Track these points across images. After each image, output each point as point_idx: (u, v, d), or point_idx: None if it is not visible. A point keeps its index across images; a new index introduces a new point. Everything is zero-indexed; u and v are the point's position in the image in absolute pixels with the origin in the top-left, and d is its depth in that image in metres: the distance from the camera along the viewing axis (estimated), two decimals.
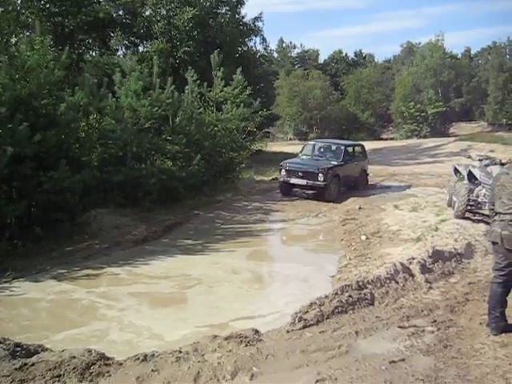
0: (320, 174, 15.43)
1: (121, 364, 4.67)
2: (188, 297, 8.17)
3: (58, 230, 10.83)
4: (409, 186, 18.09)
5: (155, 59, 15.42)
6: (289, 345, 4.91)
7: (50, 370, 4.49)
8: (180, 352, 4.82)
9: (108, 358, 4.84)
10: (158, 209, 13.54)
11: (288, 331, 5.29)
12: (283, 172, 16.20)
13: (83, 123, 12.92)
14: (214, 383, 4.25)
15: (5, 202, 10.21)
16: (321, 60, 69.73)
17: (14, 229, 10.27)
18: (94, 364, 4.60)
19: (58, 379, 4.35)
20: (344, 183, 16.55)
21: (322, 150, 17.36)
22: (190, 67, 17.39)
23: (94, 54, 21.90)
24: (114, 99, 13.58)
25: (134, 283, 8.68)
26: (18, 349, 5.25)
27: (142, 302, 7.89)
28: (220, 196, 15.31)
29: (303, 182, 15.72)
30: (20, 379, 4.37)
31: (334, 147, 17.29)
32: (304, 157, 17.16)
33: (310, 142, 18.75)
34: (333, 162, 16.14)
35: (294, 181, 15.97)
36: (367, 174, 18.52)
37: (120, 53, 23.21)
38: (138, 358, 4.72)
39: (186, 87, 16.07)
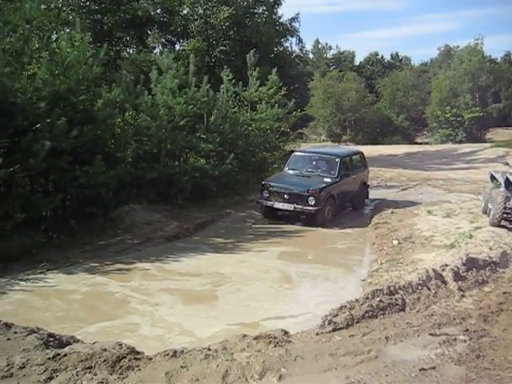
0: (311, 197, 12.45)
1: (150, 359, 4.72)
2: (219, 295, 8.20)
3: (92, 224, 11.02)
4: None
5: (191, 57, 15.53)
6: (318, 347, 4.88)
7: (81, 361, 4.56)
8: (209, 350, 4.85)
9: (138, 353, 4.90)
10: (190, 206, 13.64)
11: (317, 333, 5.26)
12: (265, 193, 13.08)
13: (119, 119, 13.10)
14: (242, 382, 4.25)
15: (41, 195, 10.45)
16: (356, 62, 69.24)
17: (49, 221, 10.49)
18: (125, 358, 4.65)
19: (89, 370, 4.42)
20: (340, 203, 13.67)
21: (313, 162, 14.09)
22: (225, 66, 17.47)
23: (131, 51, 22.16)
24: (150, 96, 13.73)
25: (165, 279, 8.77)
26: (51, 339, 5.37)
27: (174, 299, 7.96)
28: (252, 195, 15.33)
29: (290, 206, 12.65)
30: (53, 368, 4.45)
31: (327, 159, 14.01)
32: (291, 171, 13.95)
33: (297, 153, 15.00)
34: (326, 180, 13.13)
35: (278, 205, 12.83)
36: (367, 187, 15.72)
37: (157, 50, 23.44)
38: (168, 354, 4.76)
39: (222, 86, 16.13)
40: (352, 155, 15.20)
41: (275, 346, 4.84)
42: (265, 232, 12.24)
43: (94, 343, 5.17)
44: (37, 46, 11.13)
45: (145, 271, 9.09)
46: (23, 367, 4.50)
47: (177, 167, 13.88)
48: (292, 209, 12.65)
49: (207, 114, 15.05)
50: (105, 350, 4.83)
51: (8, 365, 4.53)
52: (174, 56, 16.39)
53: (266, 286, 8.52)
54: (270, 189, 12.97)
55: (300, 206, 12.52)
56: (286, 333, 5.26)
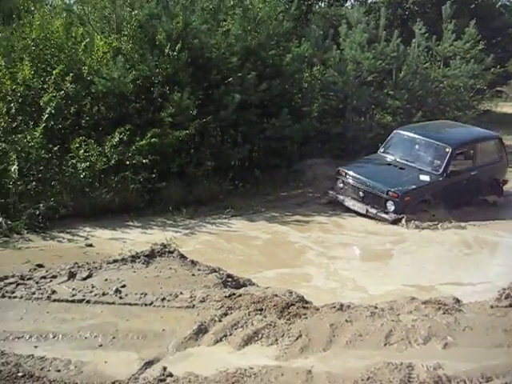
0: (390, 202, 9.30)
1: (317, 309, 4.88)
2: (395, 254, 8.10)
3: (275, 176, 11.47)
4: None
5: (383, 10, 15.00)
6: (490, 321, 4.61)
7: (253, 302, 4.88)
8: (376, 308, 4.86)
9: (306, 302, 5.09)
10: None
11: (492, 306, 4.97)
12: (339, 183, 10.20)
13: (307, 74, 13.23)
14: (405, 344, 4.21)
15: (230, 146, 11.13)
16: None
17: (236, 170, 11.13)
18: (293, 305, 4.87)
19: (259, 312, 4.71)
20: (443, 207, 9.61)
21: (415, 148, 10.57)
22: (418, 19, 16.56)
23: (322, 5, 22.01)
24: (338, 51, 13.62)
25: (341, 234, 8.87)
26: (230, 279, 5.81)
27: (350, 254, 8.04)
28: None
29: (361, 208, 9.57)
30: (228, 306, 4.82)
31: (435, 146, 10.27)
32: (386, 156, 10.68)
33: (400, 131, 11.03)
34: (423, 177, 9.72)
35: (349, 203, 9.80)
36: (501, 185, 11.14)
37: (348, 4, 22.97)
38: (335, 307, 4.88)
39: (413, 40, 15.36)
40: (479, 142, 10.79)
41: (444, 312, 4.69)
42: None
43: (266, 288, 5.49)
44: (231, 3, 11.60)
45: (322, 224, 9.26)
46: (203, 301, 4.95)
47: (362, 123, 13.73)
48: (364, 212, 9.53)
49: (396, 70, 14.53)
50: (276, 295, 5.10)
51: (191, 297, 5.02)
52: (365, 9, 15.98)
53: (444, 249, 8.20)
54: (347, 178, 9.99)
55: (373, 211, 9.38)
56: (457, 301, 5.06)
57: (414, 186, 9.52)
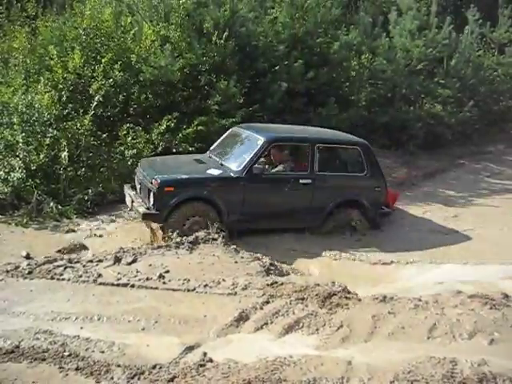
0: (151, 192, 6.79)
1: (360, 300, 4.83)
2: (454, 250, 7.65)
3: None
4: None
5: None
6: None
7: (295, 291, 4.87)
8: (419, 300, 4.77)
9: (349, 292, 5.05)
10: (422, 154, 13.20)
11: None
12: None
13: (355, 62, 13.03)
14: (449, 339, 4.11)
15: None
16: None
17: None
18: (335, 295, 4.84)
19: (301, 301, 4.70)
20: (240, 220, 7.14)
21: (235, 143, 8.03)
22: (472, 5, 16.04)
23: None
24: (388, 39, 13.36)
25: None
26: (272, 268, 5.81)
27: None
28: (490, 147, 14.19)
29: (137, 201, 7.19)
30: (270, 294, 4.84)
31: (250, 139, 7.70)
32: (206, 154, 8.15)
33: (234, 127, 8.57)
34: (212, 171, 7.17)
35: (130, 196, 7.43)
36: (371, 211, 7.95)
37: None
38: (377, 298, 4.82)
39: (466, 27, 14.91)
40: (320, 143, 7.75)
41: (491, 308, 4.56)
42: (501, 188, 11.34)
43: (309, 276, 5.48)
44: None
45: None
46: (245, 288, 4.98)
47: (411, 112, 13.44)
48: (130, 206, 7.43)
49: (447, 58, 14.13)
50: (318, 284, 5.08)
51: (233, 284, 5.06)
52: None
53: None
54: (138, 171, 7.62)
55: (136, 204, 7.09)
56: (506, 296, 4.91)
57: (184, 176, 7.02)
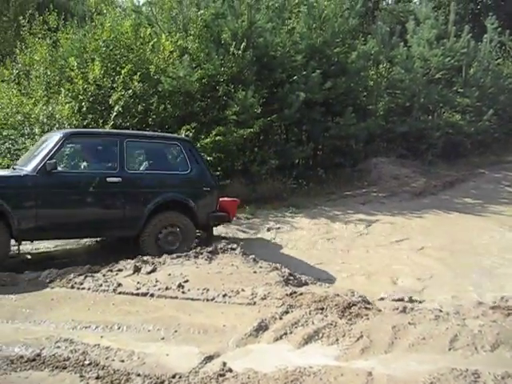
0: None
1: (379, 310, 4.78)
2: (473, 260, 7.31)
3: (339, 175, 11.40)
4: None
5: (452, 5, 14.61)
6: None
7: (315, 301, 4.83)
8: (440, 311, 4.71)
9: (369, 303, 5.00)
10: (440, 163, 13.16)
11: None
12: None
13: (372, 72, 13.06)
14: (471, 350, 4.04)
15: (294, 144, 11.12)
16: None
17: (300, 169, 11.12)
18: (355, 305, 4.79)
19: (320, 311, 4.66)
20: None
21: (37, 146, 6.87)
22: (491, 13, 15.98)
23: (389, 1, 21.64)
24: (406, 48, 13.37)
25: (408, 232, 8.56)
26: (291, 278, 5.78)
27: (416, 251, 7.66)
28: (510, 156, 14.03)
29: None
30: (289, 304, 4.81)
31: (48, 140, 6.58)
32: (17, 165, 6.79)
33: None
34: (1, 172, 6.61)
35: None
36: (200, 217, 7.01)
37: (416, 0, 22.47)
38: (397, 309, 4.76)
39: (485, 36, 14.86)
40: (130, 138, 6.80)
41: None
42: None
43: (328, 287, 5.44)
44: (296, 1, 11.61)
45: (388, 224, 9.02)
46: (264, 298, 4.96)
47: (429, 122, 13.46)
48: None
49: (466, 67, 14.10)
50: (337, 295, 5.04)
51: (252, 294, 5.04)
52: (434, 5, 15.55)
53: None
54: None
55: None
56: None
57: None
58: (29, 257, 6.40)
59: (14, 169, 6.46)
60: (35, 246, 6.99)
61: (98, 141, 6.87)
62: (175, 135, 7.80)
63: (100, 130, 7.94)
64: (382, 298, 5.36)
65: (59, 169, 6.18)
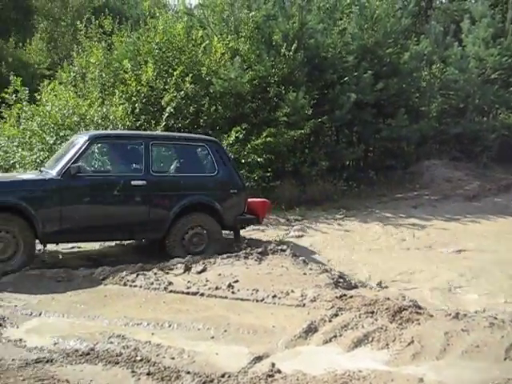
0: None
1: (431, 316, 4.68)
2: None
3: (391, 177, 11.24)
4: None
5: (510, 2, 14.13)
6: None
7: (365, 305, 4.78)
8: (495, 318, 4.57)
9: (420, 307, 4.90)
10: (496, 166, 12.78)
11: None
12: None
13: (425, 72, 12.82)
14: None
15: (345, 146, 11.06)
16: None
17: (350, 171, 11.03)
18: (406, 310, 4.70)
19: (371, 315, 4.60)
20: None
21: (64, 149, 6.89)
22: None
23: (443, 0, 21.18)
24: (460, 48, 13.05)
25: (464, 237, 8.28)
26: (341, 280, 5.74)
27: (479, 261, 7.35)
28: None
29: None
30: (339, 306, 4.77)
31: (74, 142, 6.58)
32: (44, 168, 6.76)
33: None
34: (27, 176, 6.72)
35: None
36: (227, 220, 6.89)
37: None
38: (450, 315, 4.65)
39: None
40: (156, 139, 6.86)
41: None
42: None
43: (378, 291, 5.37)
44: (348, 1, 11.51)
45: (442, 230, 8.78)
46: (314, 300, 4.94)
47: (484, 123, 13.11)
48: None
49: None
50: (388, 298, 4.96)
51: (302, 296, 5.03)
52: (490, 3, 15.13)
53: None
54: None
55: None
56: None
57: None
58: (60, 257, 6.55)
59: (41, 171, 6.49)
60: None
61: (124, 143, 6.81)
62: (202, 136, 7.65)
63: (126, 132, 7.93)
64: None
65: (84, 172, 6.17)
